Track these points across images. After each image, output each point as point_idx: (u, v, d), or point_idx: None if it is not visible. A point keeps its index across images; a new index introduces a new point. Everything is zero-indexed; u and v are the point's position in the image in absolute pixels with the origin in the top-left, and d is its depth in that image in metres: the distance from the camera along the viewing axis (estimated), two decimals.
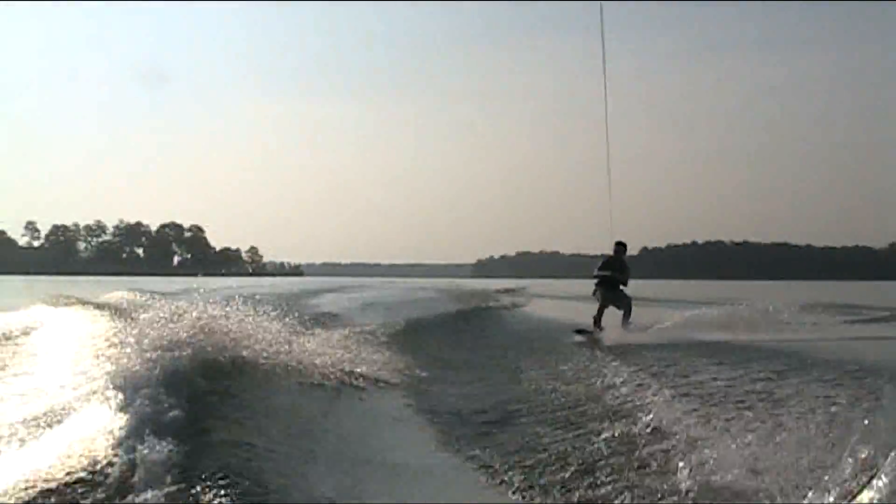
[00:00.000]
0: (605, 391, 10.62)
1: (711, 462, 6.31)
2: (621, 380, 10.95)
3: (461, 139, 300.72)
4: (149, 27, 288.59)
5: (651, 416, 8.36)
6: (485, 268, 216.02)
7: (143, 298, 23.45)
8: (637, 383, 10.50)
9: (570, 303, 33.02)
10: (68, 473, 6.04)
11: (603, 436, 7.96)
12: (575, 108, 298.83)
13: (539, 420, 9.35)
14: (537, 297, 42.96)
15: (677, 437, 7.32)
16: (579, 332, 18.65)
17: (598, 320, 18.91)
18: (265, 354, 9.58)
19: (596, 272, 19.43)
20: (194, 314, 9.82)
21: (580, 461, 7.29)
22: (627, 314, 19.18)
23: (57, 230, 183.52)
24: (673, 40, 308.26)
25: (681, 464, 6.47)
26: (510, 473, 7.18)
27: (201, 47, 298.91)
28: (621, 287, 19.39)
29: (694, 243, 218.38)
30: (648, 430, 7.85)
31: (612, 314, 19.06)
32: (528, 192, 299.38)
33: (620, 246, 19.75)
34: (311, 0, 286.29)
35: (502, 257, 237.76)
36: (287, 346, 10.63)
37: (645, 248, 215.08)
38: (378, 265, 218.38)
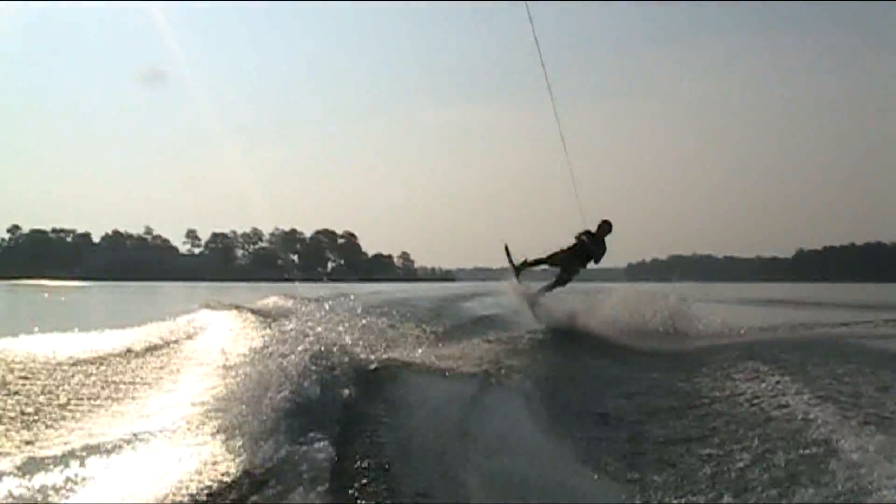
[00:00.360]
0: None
1: None
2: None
3: (609, 140, 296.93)
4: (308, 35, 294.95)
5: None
6: (636, 271, 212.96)
7: (297, 304, 23.84)
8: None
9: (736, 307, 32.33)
10: (223, 474, 6.19)
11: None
12: (726, 110, 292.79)
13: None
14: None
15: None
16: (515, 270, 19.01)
17: (550, 287, 19.22)
18: (415, 358, 9.64)
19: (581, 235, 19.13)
20: (346, 319, 9.98)
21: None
22: (558, 286, 19.22)
23: (216, 238, 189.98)
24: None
25: None
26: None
27: (343, 54, 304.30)
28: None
29: (852, 245, 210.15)
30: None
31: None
32: (681, 192, 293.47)
33: (607, 224, 19.36)
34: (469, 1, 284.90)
35: (654, 260, 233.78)
36: (437, 349, 10.68)
37: (801, 250, 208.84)
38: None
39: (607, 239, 19.44)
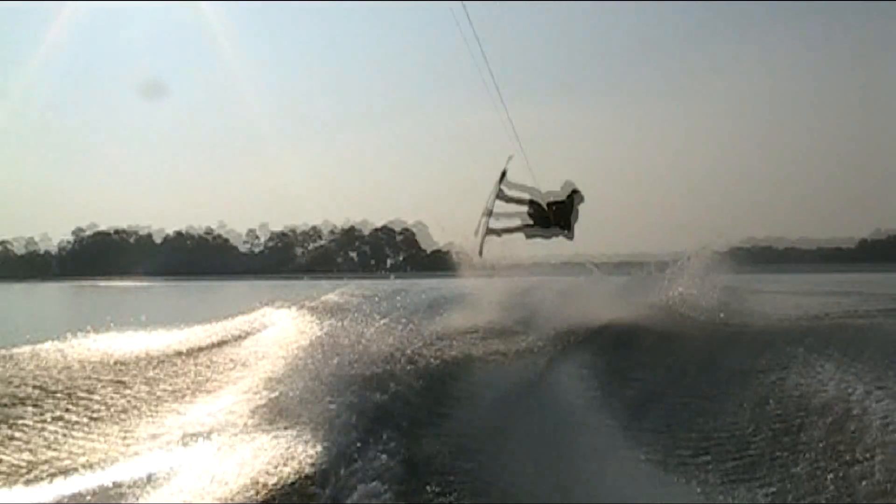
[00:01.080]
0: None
1: None
2: None
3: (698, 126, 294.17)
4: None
5: None
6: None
7: (355, 301, 24.06)
8: None
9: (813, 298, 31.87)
10: (296, 472, 6.21)
11: None
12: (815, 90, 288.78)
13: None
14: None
15: None
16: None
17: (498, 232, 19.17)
18: (478, 353, 9.62)
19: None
20: (403, 316, 10.02)
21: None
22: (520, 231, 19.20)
23: (276, 237, 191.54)
24: None
25: None
26: None
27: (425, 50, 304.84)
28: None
29: None
30: None
31: None
32: (742, 181, 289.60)
33: (576, 194, 19.23)
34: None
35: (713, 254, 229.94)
36: (500, 345, 10.65)
37: (864, 240, 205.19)
38: (593, 261, 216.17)
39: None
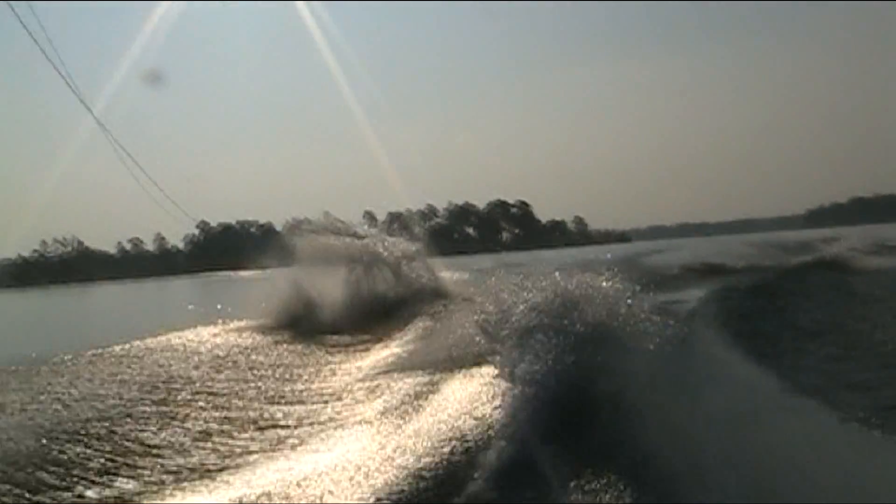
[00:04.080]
0: None
1: None
2: None
3: (776, 78, 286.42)
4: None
5: None
6: (817, 218, 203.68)
7: (485, 276, 24.40)
8: None
9: None
10: (446, 460, 5.99)
11: None
12: None
13: None
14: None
15: None
16: None
17: None
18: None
19: None
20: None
21: None
22: None
23: (392, 217, 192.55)
24: None
25: None
26: None
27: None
28: None
29: None
30: None
31: None
32: (859, 129, 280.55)
33: None
34: None
35: (834, 205, 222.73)
36: None
37: None
38: (704, 224, 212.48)
39: None
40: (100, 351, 13.57)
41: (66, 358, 12.92)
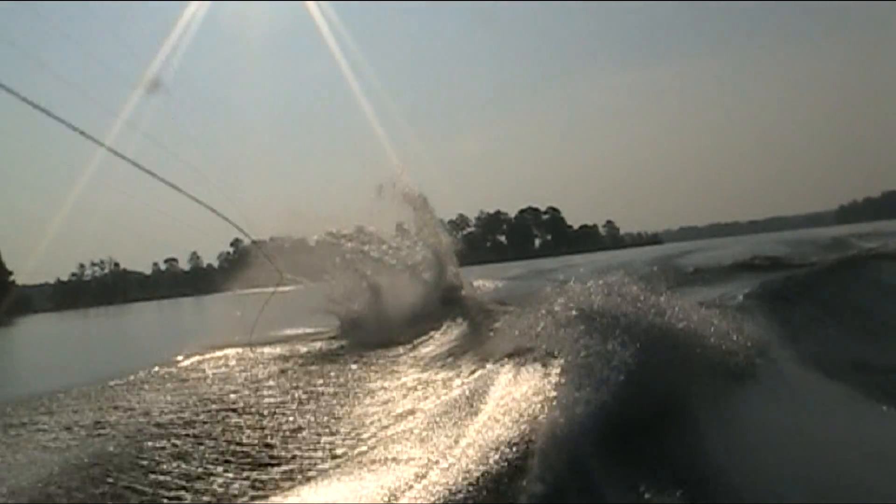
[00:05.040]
0: None
1: None
2: None
3: (806, 75, 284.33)
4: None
5: None
6: (849, 214, 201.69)
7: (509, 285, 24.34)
8: None
9: None
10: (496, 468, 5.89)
11: None
12: None
13: None
14: None
15: None
16: None
17: None
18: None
19: None
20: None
21: None
22: None
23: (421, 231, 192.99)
24: None
25: None
26: None
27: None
28: None
29: None
30: None
31: None
32: (888, 121, 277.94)
33: None
34: None
35: (866, 200, 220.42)
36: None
37: None
38: (736, 223, 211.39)
39: None
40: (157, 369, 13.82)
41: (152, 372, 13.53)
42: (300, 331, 18.84)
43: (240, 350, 15.67)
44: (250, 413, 9.54)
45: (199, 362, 14.34)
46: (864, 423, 6.87)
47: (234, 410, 9.56)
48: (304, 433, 8.63)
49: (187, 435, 8.45)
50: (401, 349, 14.60)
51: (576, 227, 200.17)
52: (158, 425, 8.96)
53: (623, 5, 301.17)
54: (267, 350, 15.71)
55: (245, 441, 8.29)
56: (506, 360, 8.82)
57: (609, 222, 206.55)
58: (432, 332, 15.53)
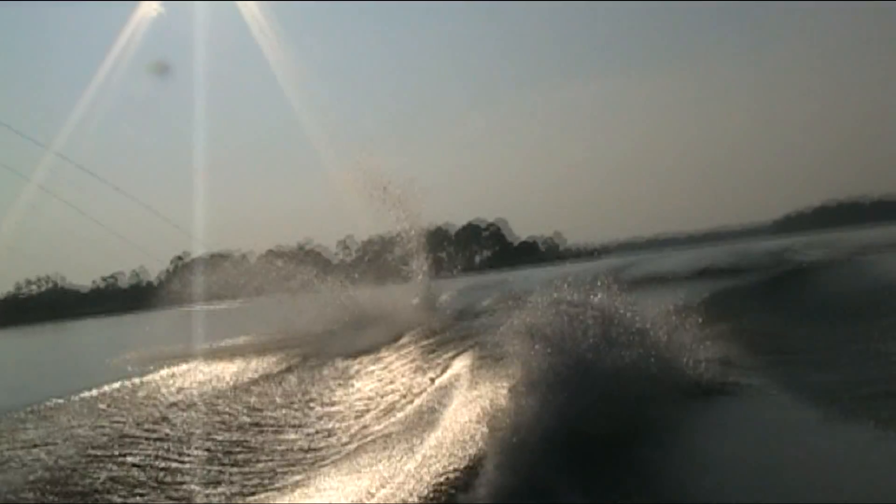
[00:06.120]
0: None
1: None
2: None
3: (743, 89, 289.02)
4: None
5: None
6: (786, 225, 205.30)
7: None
8: None
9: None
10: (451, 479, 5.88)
11: None
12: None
13: None
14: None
15: None
16: None
17: None
18: None
19: None
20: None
21: None
22: None
23: (366, 245, 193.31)
24: None
25: None
26: None
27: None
28: None
29: None
30: None
31: None
32: (822, 135, 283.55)
33: None
34: None
35: (803, 212, 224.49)
36: None
37: None
38: (678, 236, 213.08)
39: None
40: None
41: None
42: (241, 343, 18.76)
43: (184, 365, 15.54)
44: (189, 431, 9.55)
45: (137, 382, 14.18)
46: (825, 443, 6.71)
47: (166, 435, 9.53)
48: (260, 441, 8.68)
49: (122, 456, 8.35)
50: (354, 362, 14.57)
51: (519, 240, 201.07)
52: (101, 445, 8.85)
53: (564, 21, 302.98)
54: (211, 365, 15.57)
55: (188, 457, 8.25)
56: (462, 370, 8.83)
57: (555, 234, 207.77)
58: (383, 345, 15.53)
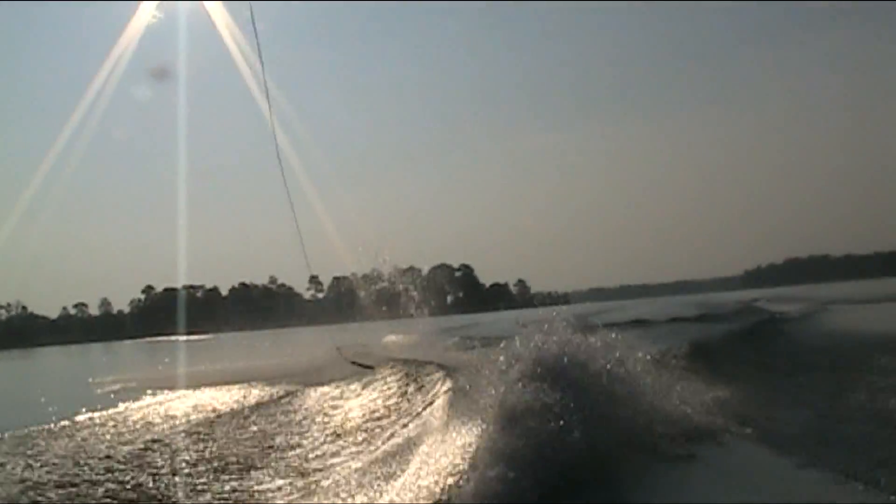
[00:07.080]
0: None
1: None
2: None
3: (713, 144, 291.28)
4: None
5: None
6: (753, 278, 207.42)
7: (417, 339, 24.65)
8: None
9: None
10: None
11: None
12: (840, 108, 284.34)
13: None
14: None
15: None
16: None
17: None
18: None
19: None
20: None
21: None
22: None
23: (337, 282, 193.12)
24: None
25: None
26: None
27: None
28: None
29: None
30: None
31: None
32: (790, 191, 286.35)
33: None
34: None
35: (770, 265, 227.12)
36: None
37: None
38: (645, 285, 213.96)
39: None
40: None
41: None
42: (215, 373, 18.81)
43: (160, 396, 15.57)
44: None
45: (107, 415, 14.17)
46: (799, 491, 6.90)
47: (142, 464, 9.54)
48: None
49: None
50: (327, 396, 14.66)
51: (488, 284, 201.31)
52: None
53: (530, 73, 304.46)
54: (182, 397, 15.60)
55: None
56: (436, 411, 8.94)
57: (520, 281, 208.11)
58: (356, 382, 15.62)
